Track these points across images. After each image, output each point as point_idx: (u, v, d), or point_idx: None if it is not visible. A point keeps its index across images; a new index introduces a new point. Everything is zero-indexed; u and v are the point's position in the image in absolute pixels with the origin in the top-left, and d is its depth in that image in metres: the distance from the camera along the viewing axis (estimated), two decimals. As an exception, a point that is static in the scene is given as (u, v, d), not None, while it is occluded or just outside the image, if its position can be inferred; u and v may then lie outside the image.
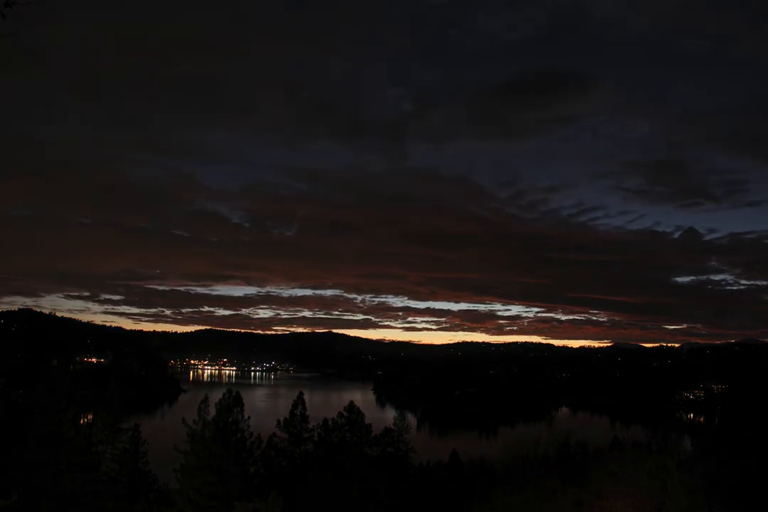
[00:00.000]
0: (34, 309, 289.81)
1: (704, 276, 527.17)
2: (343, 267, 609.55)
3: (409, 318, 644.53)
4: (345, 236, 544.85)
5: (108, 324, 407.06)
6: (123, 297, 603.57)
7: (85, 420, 41.88)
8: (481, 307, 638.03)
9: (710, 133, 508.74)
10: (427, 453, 68.95)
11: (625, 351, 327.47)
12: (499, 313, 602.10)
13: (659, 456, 37.12)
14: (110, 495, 32.87)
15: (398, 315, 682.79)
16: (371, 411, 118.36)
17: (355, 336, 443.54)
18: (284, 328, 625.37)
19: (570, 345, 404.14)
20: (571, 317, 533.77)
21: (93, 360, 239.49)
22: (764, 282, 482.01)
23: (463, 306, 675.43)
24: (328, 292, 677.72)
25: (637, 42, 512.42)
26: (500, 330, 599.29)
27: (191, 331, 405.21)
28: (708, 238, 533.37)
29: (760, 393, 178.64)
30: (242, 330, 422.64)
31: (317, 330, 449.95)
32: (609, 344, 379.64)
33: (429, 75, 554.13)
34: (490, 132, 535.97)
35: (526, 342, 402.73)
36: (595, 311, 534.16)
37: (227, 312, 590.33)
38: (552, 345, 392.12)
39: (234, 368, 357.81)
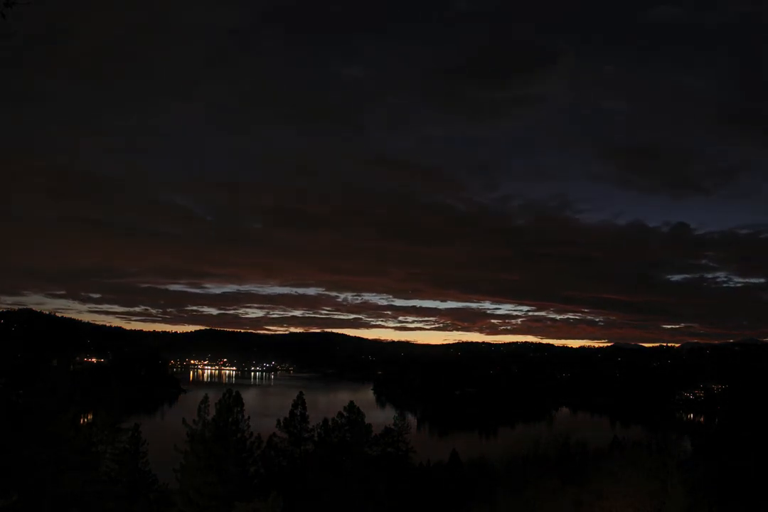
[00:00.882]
0: (34, 309, 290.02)
1: (698, 274, 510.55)
2: (320, 262, 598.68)
3: (400, 318, 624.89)
4: (314, 229, 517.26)
5: (107, 324, 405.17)
6: (100, 295, 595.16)
7: (85, 420, 41.89)
8: (470, 306, 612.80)
9: (697, 116, 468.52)
10: (427, 453, 68.99)
11: (625, 351, 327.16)
12: (489, 312, 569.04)
13: (659, 456, 37.10)
14: (110, 495, 32.90)
15: (387, 314, 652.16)
16: (371, 411, 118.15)
17: (354, 336, 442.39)
18: (277, 328, 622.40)
19: (570, 345, 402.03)
20: (565, 316, 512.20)
21: (93, 360, 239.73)
22: (761, 280, 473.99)
23: (451, 304, 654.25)
24: (311, 290, 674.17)
25: (604, 12, 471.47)
26: (494, 330, 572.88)
27: (191, 331, 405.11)
28: (699, 232, 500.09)
29: (760, 393, 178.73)
30: (241, 331, 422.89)
31: (312, 330, 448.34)
32: (609, 344, 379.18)
33: (383, 53, 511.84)
34: (454, 114, 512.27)
35: (525, 342, 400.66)
36: (588, 310, 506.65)
37: (214, 311, 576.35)
38: (552, 345, 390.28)
39: (234, 368, 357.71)
